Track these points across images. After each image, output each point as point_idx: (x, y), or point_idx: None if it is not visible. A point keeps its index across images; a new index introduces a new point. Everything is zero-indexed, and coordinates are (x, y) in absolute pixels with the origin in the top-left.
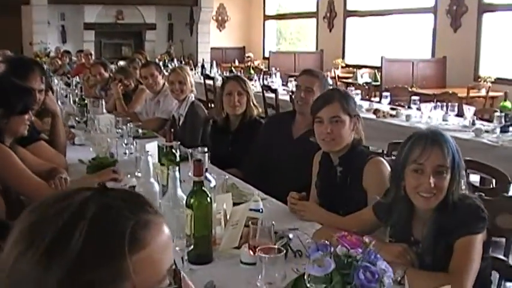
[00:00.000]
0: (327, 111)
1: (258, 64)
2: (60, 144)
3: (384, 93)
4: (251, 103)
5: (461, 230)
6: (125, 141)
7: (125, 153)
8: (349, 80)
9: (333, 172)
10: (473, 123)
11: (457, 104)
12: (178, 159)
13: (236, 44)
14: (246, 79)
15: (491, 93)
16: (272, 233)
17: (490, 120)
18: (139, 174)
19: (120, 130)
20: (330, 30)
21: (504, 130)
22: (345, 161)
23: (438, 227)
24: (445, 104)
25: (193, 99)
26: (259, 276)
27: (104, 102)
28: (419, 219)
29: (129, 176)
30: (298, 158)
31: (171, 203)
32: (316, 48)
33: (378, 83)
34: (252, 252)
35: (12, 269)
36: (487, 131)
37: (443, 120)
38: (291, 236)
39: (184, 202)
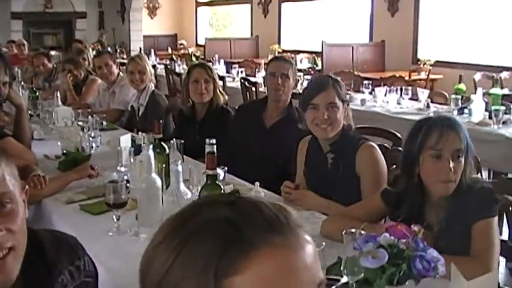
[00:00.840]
0: (323, 98)
1: (193, 52)
2: (26, 139)
3: None
4: (218, 91)
5: (478, 213)
6: (92, 134)
7: (92, 147)
8: None
9: (324, 159)
10: (428, 106)
11: (411, 87)
12: (167, 151)
13: (168, 31)
14: (211, 66)
15: (431, 76)
16: None
17: (444, 104)
18: (122, 169)
19: (81, 123)
20: (265, 16)
21: (460, 112)
22: (336, 148)
23: (454, 211)
24: (399, 87)
25: (153, 88)
26: None
27: (58, 94)
28: (432, 204)
29: (106, 171)
30: (272, 147)
31: (174, 198)
32: (251, 35)
33: (319, 68)
34: None
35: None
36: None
37: (398, 103)
38: None
39: (187, 197)
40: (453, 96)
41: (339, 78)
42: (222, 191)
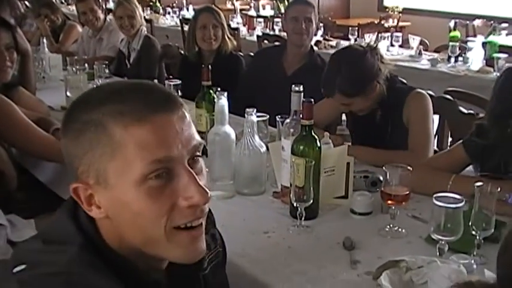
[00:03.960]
0: None
1: None
2: (32, 89)
3: None
4: (226, 36)
5: None
6: (99, 82)
7: None
8: (250, 13)
9: (371, 115)
10: (420, 54)
11: (401, 34)
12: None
13: None
14: (219, 10)
15: (400, 24)
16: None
17: (436, 51)
18: None
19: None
20: None
21: (456, 60)
22: (384, 103)
23: None
24: (389, 34)
25: (145, 32)
26: (389, 226)
27: (44, 40)
28: None
29: None
30: None
31: (249, 152)
32: None
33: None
34: (389, 201)
35: None
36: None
37: (387, 51)
38: (381, 178)
39: (263, 150)
40: (450, 43)
41: None
42: (318, 143)
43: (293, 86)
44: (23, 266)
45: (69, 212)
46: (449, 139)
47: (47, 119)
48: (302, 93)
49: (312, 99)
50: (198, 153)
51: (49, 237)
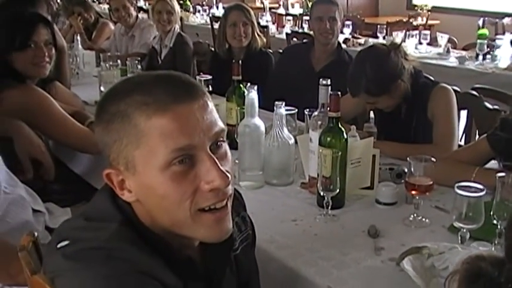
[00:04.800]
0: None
1: None
2: (66, 83)
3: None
4: (255, 33)
5: None
6: None
7: None
8: (279, 11)
9: (397, 110)
10: (448, 51)
11: (429, 32)
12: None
13: None
14: (249, 7)
15: (429, 22)
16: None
17: (464, 49)
18: None
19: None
20: None
21: (484, 57)
22: (409, 98)
23: None
24: (417, 32)
25: (178, 30)
26: (413, 216)
27: (78, 37)
28: None
29: None
30: None
31: (278, 143)
32: None
33: None
34: (413, 191)
35: None
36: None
37: (415, 48)
38: (406, 170)
39: (291, 142)
40: (479, 41)
41: None
42: (345, 135)
43: (321, 79)
44: (66, 242)
45: (108, 193)
46: (477, 136)
47: (82, 113)
48: (329, 87)
49: (339, 92)
50: (221, 139)
51: (90, 216)
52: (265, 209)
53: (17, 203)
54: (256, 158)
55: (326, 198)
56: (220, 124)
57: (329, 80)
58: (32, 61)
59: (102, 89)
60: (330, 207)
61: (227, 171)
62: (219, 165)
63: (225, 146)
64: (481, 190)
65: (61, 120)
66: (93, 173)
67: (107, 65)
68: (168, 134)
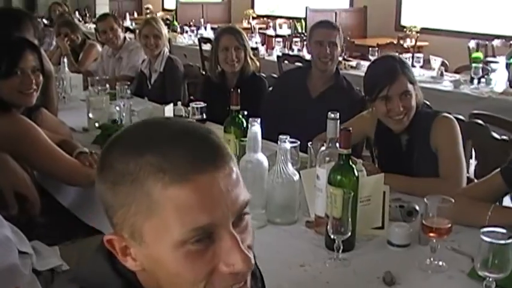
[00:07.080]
0: (396, 88)
1: (161, 16)
2: (54, 110)
3: None
4: (248, 57)
5: None
6: (123, 104)
7: (121, 119)
8: (268, 32)
9: (397, 141)
10: (442, 75)
11: (422, 55)
12: (245, 125)
13: None
14: (241, 31)
15: (418, 43)
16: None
17: (457, 72)
18: None
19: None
20: None
21: (479, 81)
22: (410, 128)
23: None
24: (410, 55)
25: (168, 53)
26: (429, 260)
27: (65, 60)
28: None
29: None
30: (319, 117)
31: (282, 180)
32: None
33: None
34: (431, 234)
35: None
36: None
37: None
38: (417, 208)
39: (295, 178)
40: (473, 65)
41: (403, 58)
42: (356, 173)
43: (329, 113)
44: None
45: (106, 255)
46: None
47: (70, 142)
48: (339, 121)
49: (351, 129)
50: (245, 211)
51: (85, 281)
52: (270, 252)
53: (2, 244)
54: (259, 196)
55: (337, 241)
56: (246, 194)
57: (338, 114)
58: (18, 89)
59: (90, 115)
60: (340, 251)
61: (249, 248)
62: (242, 246)
63: (248, 218)
64: (509, 236)
65: (48, 152)
66: (81, 207)
67: (95, 89)
68: (187, 210)
